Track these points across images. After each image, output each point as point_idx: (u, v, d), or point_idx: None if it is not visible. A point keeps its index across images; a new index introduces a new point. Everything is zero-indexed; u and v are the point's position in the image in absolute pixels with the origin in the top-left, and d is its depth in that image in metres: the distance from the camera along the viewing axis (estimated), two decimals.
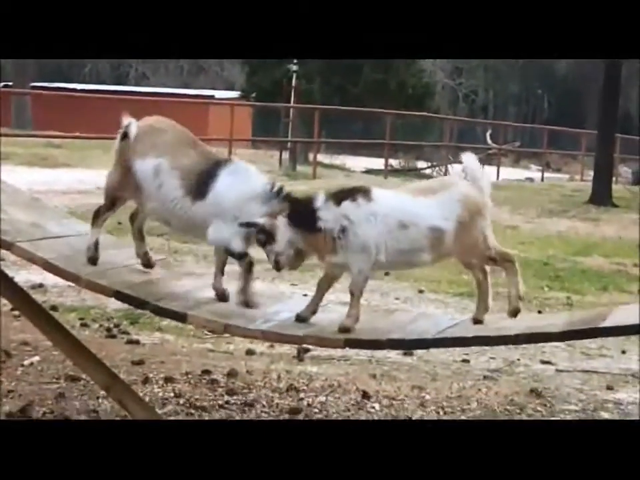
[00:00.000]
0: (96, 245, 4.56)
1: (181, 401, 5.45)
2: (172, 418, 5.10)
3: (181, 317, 4.29)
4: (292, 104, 26.84)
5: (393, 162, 27.79)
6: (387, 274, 10.10)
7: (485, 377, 6.37)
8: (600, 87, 24.02)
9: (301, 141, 25.81)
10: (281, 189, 4.35)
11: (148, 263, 4.75)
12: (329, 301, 4.54)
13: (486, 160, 30.15)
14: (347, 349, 5.30)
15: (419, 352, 6.79)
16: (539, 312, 8.30)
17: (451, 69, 48.98)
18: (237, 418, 5.28)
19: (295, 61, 27.92)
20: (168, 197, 4.44)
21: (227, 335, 6.94)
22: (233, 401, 5.53)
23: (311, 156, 24.57)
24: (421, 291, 9.36)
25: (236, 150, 22.80)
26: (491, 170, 27.12)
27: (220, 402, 5.50)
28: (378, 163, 26.32)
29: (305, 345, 6.64)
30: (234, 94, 36.42)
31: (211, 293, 4.61)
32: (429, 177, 26.99)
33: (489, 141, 31.40)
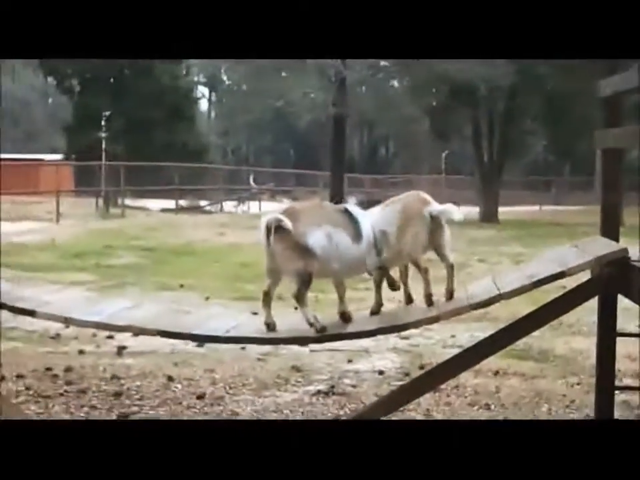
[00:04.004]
0: None
1: (31, 392, 5.57)
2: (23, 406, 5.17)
3: (30, 312, 4.34)
4: (102, 162, 28.73)
5: (182, 202, 29.45)
6: (181, 286, 10.46)
7: (258, 359, 6.76)
8: (330, 139, 26.97)
9: (111, 190, 27.14)
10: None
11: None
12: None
13: (251, 197, 32.49)
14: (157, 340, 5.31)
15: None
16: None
17: (222, 130, 51.73)
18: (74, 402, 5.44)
19: (104, 129, 30.19)
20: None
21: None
22: (70, 390, 5.69)
23: (120, 200, 26.06)
24: (207, 298, 9.75)
25: (64, 199, 23.48)
26: (254, 204, 29.61)
27: (60, 391, 5.67)
28: (171, 204, 28.02)
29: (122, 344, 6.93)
30: (59, 156, 38.09)
31: (54, 296, 4.66)
32: (210, 212, 28.80)
33: (252, 183, 34.25)
